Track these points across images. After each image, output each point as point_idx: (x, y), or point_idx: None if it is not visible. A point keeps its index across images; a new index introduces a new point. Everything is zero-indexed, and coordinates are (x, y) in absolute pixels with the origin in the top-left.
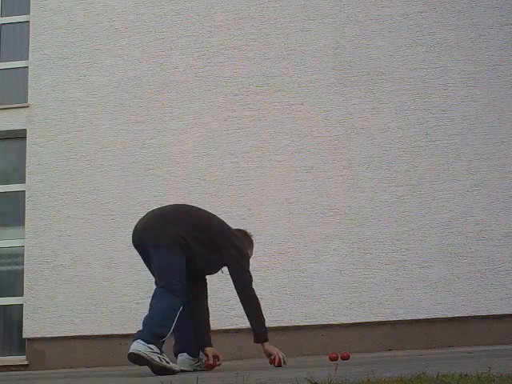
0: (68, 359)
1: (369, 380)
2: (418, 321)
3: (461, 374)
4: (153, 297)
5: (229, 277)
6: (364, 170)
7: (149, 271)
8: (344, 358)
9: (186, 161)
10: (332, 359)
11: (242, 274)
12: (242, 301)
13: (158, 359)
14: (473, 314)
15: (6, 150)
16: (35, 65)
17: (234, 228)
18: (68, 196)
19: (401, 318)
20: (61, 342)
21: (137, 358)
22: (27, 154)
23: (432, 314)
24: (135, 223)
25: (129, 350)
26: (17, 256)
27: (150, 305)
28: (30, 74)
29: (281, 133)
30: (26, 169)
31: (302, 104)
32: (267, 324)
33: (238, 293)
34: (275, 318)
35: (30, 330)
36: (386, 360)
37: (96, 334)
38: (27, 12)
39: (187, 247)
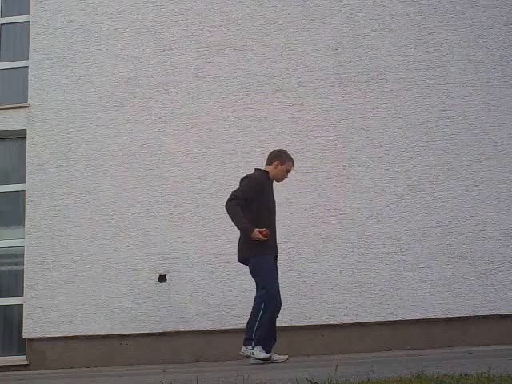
0: (68, 359)
1: (369, 380)
2: (418, 321)
3: (461, 374)
4: None
5: (228, 277)
6: (364, 169)
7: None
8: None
9: (185, 161)
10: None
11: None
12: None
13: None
14: (473, 314)
15: (6, 149)
16: (35, 65)
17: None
18: (68, 196)
19: (401, 318)
20: (61, 342)
21: None
22: (27, 154)
23: (432, 314)
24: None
25: None
26: (17, 256)
27: None
28: (29, 74)
29: (281, 133)
30: (26, 169)
31: (301, 104)
32: None
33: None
34: None
35: (30, 329)
36: (386, 360)
37: (96, 334)
38: (27, 12)
39: None
